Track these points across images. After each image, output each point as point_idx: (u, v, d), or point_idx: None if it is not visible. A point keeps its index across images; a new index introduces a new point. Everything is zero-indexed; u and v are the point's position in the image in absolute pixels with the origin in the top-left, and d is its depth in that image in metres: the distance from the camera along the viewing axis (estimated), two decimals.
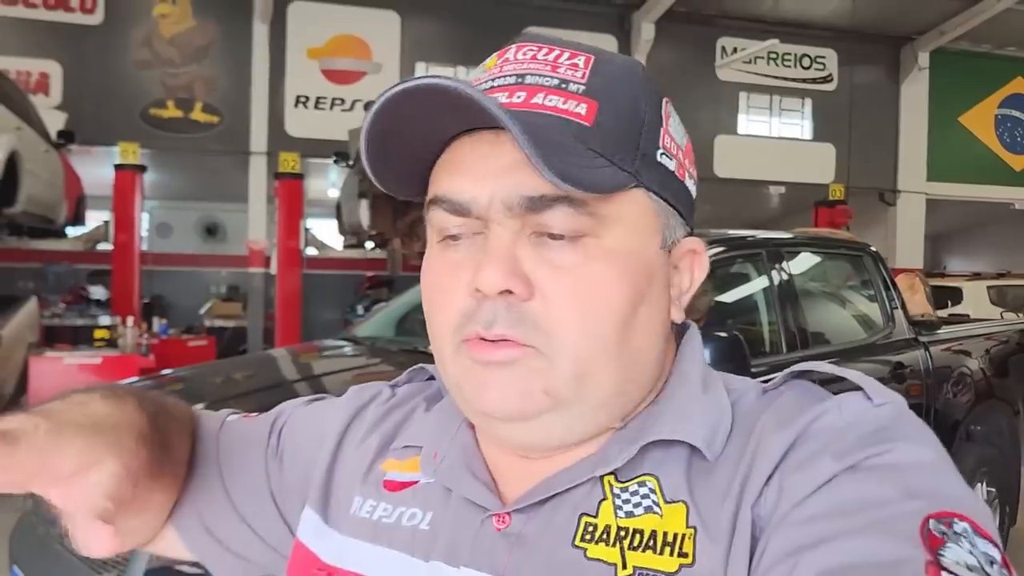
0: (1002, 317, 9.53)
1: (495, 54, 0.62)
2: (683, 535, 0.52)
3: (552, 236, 0.55)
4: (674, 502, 0.54)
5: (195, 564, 2.02)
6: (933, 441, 0.51)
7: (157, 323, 7.47)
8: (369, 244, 10.63)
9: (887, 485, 0.48)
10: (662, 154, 0.60)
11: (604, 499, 0.56)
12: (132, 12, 11.67)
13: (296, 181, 10.57)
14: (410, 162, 0.59)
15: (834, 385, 0.59)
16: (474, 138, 0.57)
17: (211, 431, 0.78)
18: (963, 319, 8.28)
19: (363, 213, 8.83)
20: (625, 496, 0.55)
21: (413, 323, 4.08)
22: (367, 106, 10.57)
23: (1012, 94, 15.64)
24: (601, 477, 0.56)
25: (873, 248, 4.08)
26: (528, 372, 0.55)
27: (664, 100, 0.62)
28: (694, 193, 0.65)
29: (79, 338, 7.09)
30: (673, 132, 0.62)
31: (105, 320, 5.87)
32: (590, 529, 0.55)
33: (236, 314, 12.25)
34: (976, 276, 13.40)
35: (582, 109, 0.56)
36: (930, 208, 15.09)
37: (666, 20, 13.19)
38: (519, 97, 0.56)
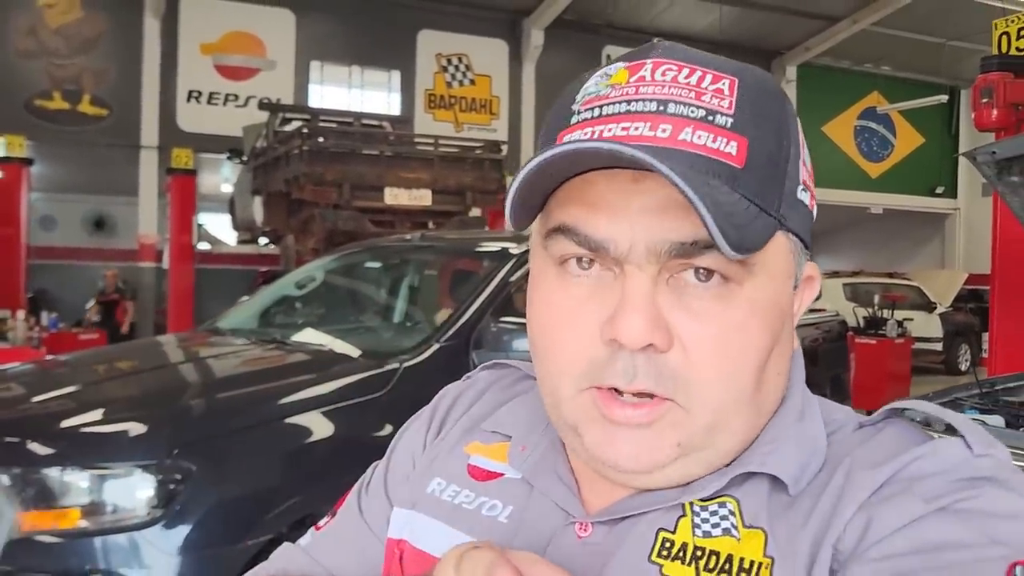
0: (854, 312, 10.47)
1: (624, 65, 0.55)
2: (760, 564, 0.50)
3: (696, 276, 0.52)
4: (753, 528, 0.52)
5: (57, 535, 2.31)
6: None
7: (46, 317, 7.51)
8: (263, 240, 10.80)
9: (972, 529, 0.46)
10: (801, 189, 0.56)
11: (683, 516, 0.54)
12: (15, 0, 11.45)
13: (189, 177, 10.65)
14: (538, 195, 0.55)
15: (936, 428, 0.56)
16: (610, 172, 0.51)
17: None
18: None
19: (257, 210, 9.04)
20: (704, 515, 0.54)
21: (276, 315, 4.23)
22: (261, 103, 10.76)
23: (869, 107, 17.05)
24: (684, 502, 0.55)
25: None
26: (666, 427, 0.52)
27: (797, 121, 0.57)
28: (815, 215, 0.60)
29: None
30: (806, 158, 0.57)
31: None
32: (667, 545, 0.53)
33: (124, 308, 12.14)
34: (835, 274, 14.47)
35: (732, 148, 0.51)
36: None
37: (555, 27, 13.84)
38: (664, 131, 0.50)
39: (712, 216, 0.45)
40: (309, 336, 3.59)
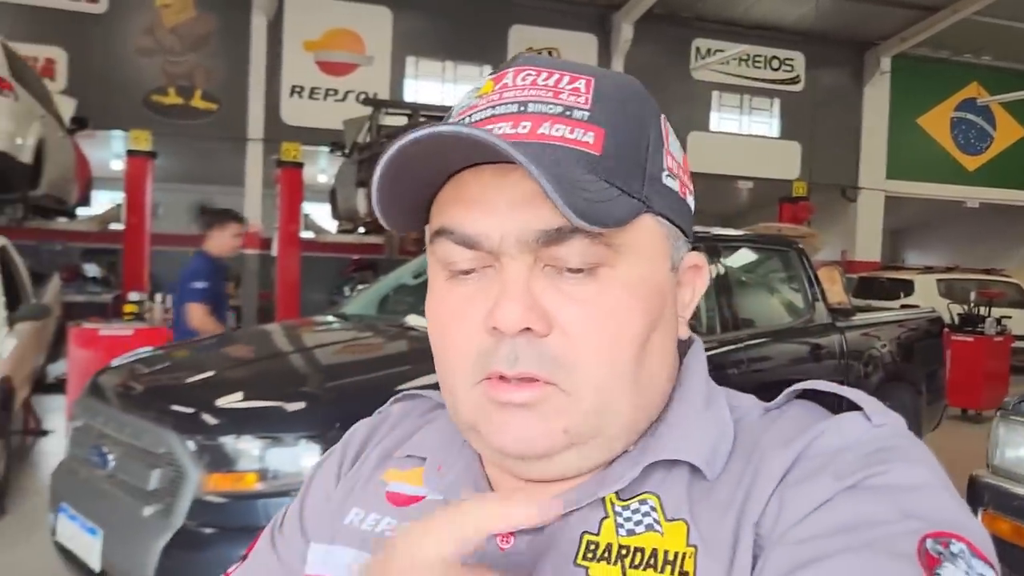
0: (948, 308, 10.25)
1: (491, 78, 0.59)
2: (684, 554, 0.51)
3: (569, 270, 0.54)
4: (675, 520, 0.53)
5: (235, 496, 2.62)
6: (931, 462, 0.51)
7: (171, 300, 8.05)
8: (361, 228, 11.23)
9: (885, 505, 0.47)
10: (667, 176, 0.59)
11: (606, 517, 0.55)
12: (135, 1, 12.13)
13: (296, 169, 11.10)
14: (414, 197, 0.58)
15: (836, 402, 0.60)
16: (478, 171, 0.54)
17: None
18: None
19: (360, 201, 9.45)
20: (627, 514, 0.55)
21: (394, 302, 4.52)
22: (359, 98, 11.14)
23: (967, 98, 16.47)
24: (603, 496, 0.56)
25: (800, 245, 4.69)
26: (551, 411, 0.54)
27: (662, 117, 0.61)
28: (693, 208, 0.63)
29: (83, 313, 7.66)
30: (673, 150, 0.61)
31: (135, 296, 6.44)
32: (592, 547, 0.54)
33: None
34: (928, 270, 14.07)
35: (589, 137, 0.54)
36: (890, 204, 15.87)
37: (645, 21, 13.79)
38: (524, 127, 0.54)
39: (554, 186, 0.48)
40: (421, 322, 3.85)
